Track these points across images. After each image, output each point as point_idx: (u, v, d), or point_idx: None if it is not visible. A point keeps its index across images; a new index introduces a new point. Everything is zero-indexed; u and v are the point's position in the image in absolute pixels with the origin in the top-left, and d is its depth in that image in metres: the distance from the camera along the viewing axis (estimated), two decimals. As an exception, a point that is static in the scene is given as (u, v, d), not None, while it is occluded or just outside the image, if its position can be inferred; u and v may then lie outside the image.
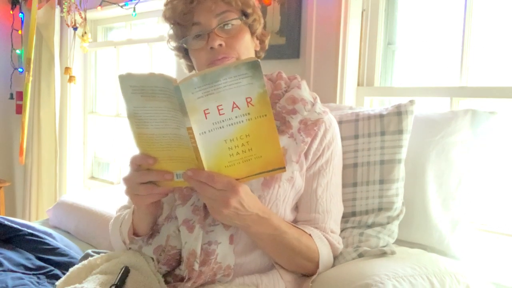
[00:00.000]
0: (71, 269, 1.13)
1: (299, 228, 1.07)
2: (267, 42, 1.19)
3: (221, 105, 0.84)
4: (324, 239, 1.11)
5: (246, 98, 0.84)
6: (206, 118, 0.84)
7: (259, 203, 0.97)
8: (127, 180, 0.97)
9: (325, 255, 1.10)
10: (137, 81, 0.84)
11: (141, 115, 0.88)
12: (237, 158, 0.88)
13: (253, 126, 0.86)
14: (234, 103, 0.84)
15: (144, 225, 1.09)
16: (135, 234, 1.11)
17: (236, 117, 0.85)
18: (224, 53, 1.06)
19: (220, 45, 1.05)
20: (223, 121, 0.85)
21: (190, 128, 0.83)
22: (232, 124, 0.85)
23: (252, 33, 1.14)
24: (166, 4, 1.12)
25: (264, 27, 1.19)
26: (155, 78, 0.83)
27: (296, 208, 1.14)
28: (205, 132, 0.85)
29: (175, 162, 0.91)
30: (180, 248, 1.06)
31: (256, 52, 1.17)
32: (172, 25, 1.14)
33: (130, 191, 0.98)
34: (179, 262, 1.08)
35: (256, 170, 0.90)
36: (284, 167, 0.89)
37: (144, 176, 0.94)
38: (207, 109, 0.83)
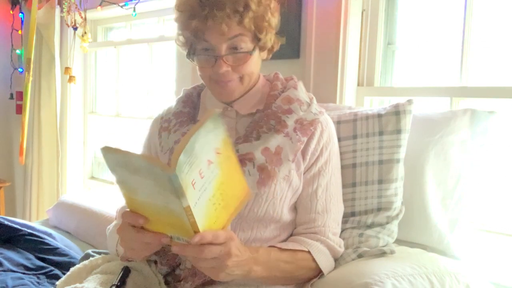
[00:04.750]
0: (71, 269, 1.13)
1: (293, 249, 1.08)
2: (277, 46, 1.18)
3: (201, 169, 0.82)
4: (323, 249, 1.11)
5: (215, 150, 0.84)
6: (194, 189, 0.82)
7: (244, 246, 0.97)
8: (122, 234, 0.96)
9: (324, 263, 1.11)
10: (119, 157, 0.82)
11: (129, 184, 0.86)
12: (219, 209, 0.87)
13: (224, 172, 0.86)
14: (208, 160, 0.84)
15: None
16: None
17: (212, 172, 0.84)
18: (228, 77, 1.08)
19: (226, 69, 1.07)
20: (204, 183, 0.84)
21: (188, 207, 0.80)
22: (211, 181, 0.84)
23: (262, 49, 1.13)
24: (180, 11, 1.09)
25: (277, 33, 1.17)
26: (136, 160, 0.80)
27: (294, 209, 1.14)
28: (196, 203, 0.83)
29: (167, 226, 0.89)
30: None
31: (262, 60, 1.17)
32: (181, 30, 1.12)
33: (125, 245, 0.98)
34: (179, 262, 1.08)
35: (232, 209, 0.90)
36: (249, 192, 0.89)
37: (140, 236, 0.91)
38: (193, 179, 0.81)
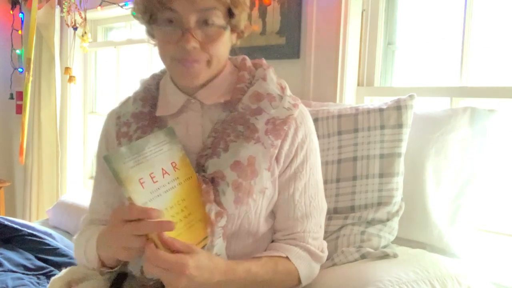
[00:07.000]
0: (51, 281, 1.08)
1: (272, 256, 0.99)
2: (248, 31, 1.04)
3: (153, 172, 0.86)
4: (303, 255, 1.02)
5: (172, 163, 0.89)
6: (143, 188, 0.84)
7: (219, 266, 0.88)
8: (116, 232, 0.85)
9: (304, 270, 1.02)
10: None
11: None
12: (181, 226, 0.86)
13: (184, 190, 0.89)
14: (163, 169, 0.88)
15: (116, 261, 0.98)
16: (104, 265, 0.99)
17: (168, 183, 0.87)
18: (195, 56, 0.93)
19: (194, 47, 0.92)
20: (158, 188, 0.86)
21: (130, 199, 0.83)
22: (167, 190, 0.87)
23: (233, 31, 1.00)
24: None
25: (249, 18, 1.05)
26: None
27: (271, 215, 1.04)
28: (146, 203, 0.83)
29: None
30: None
31: (232, 45, 1.03)
32: None
33: (120, 244, 0.85)
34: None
35: (202, 234, 0.89)
36: (206, 236, 0.89)
37: (141, 227, 0.81)
38: (142, 178, 0.85)
